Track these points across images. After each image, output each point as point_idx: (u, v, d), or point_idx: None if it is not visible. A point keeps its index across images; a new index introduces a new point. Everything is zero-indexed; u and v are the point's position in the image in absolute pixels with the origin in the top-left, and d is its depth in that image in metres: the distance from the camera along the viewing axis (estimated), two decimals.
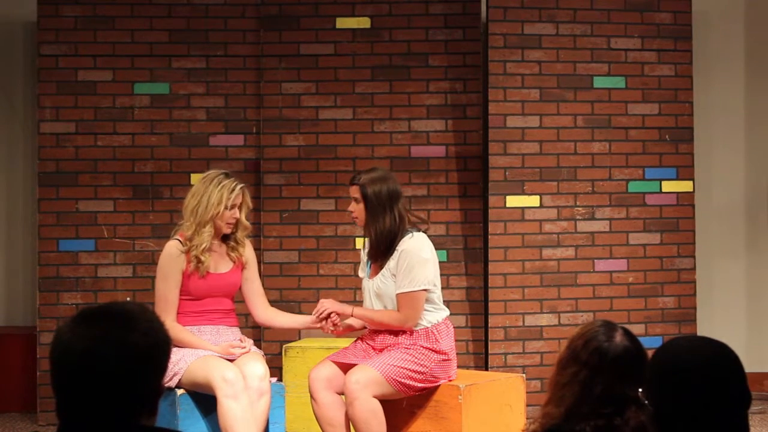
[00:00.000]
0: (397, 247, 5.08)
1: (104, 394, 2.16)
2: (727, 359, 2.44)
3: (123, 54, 6.88)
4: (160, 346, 2.23)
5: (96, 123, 6.86)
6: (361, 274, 5.32)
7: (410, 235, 5.11)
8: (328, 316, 5.19)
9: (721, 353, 2.46)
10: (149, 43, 6.90)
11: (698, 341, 2.54)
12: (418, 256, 5.07)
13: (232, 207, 5.17)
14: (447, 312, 5.23)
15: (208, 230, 5.15)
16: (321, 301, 5.25)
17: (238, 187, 5.20)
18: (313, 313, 5.23)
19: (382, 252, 5.12)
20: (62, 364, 2.19)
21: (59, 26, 6.86)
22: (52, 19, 6.86)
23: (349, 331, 5.30)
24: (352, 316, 5.20)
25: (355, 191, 5.17)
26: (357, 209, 5.17)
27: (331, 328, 5.20)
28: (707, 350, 2.46)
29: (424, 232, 5.20)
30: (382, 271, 5.12)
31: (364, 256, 5.30)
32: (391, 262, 5.09)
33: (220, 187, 5.18)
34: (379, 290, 5.13)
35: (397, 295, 5.08)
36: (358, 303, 6.70)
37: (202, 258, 5.13)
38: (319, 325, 5.23)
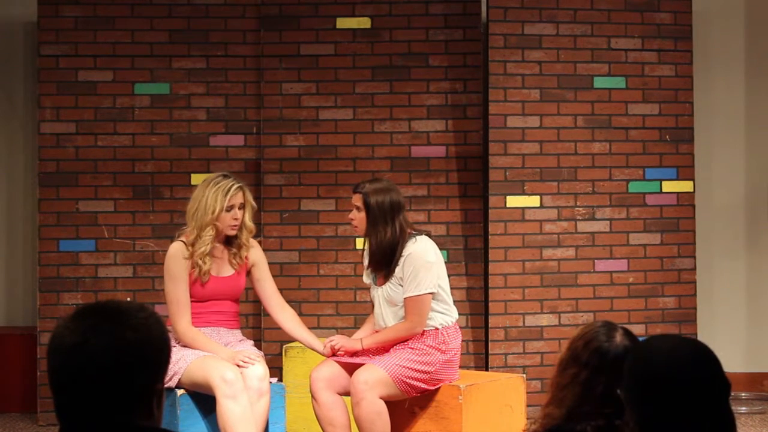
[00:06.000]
0: (402, 253, 5.09)
1: (94, 389, 2.16)
2: (703, 357, 2.45)
3: (123, 54, 6.87)
4: (152, 342, 2.22)
5: (96, 123, 6.86)
6: (366, 280, 5.32)
7: (414, 240, 5.11)
8: (337, 350, 5.19)
9: (695, 352, 2.46)
10: (149, 43, 6.90)
11: (670, 343, 2.53)
12: (423, 260, 5.08)
13: (230, 208, 5.14)
14: (456, 315, 5.24)
15: (208, 233, 5.12)
16: (333, 337, 5.25)
17: (234, 187, 5.14)
18: (324, 345, 5.22)
19: (381, 262, 5.13)
20: (54, 358, 2.20)
21: (59, 26, 6.85)
22: (52, 19, 6.85)
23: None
24: (362, 349, 5.19)
25: (357, 199, 5.17)
26: (358, 218, 5.17)
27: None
28: (682, 352, 2.46)
29: (427, 234, 5.20)
30: (390, 279, 5.13)
31: (365, 264, 5.30)
32: (398, 269, 5.10)
33: (216, 189, 5.13)
34: (390, 297, 5.14)
35: (404, 299, 5.09)
36: (359, 304, 6.75)
37: (201, 263, 5.11)
38: (327, 354, 5.23)
